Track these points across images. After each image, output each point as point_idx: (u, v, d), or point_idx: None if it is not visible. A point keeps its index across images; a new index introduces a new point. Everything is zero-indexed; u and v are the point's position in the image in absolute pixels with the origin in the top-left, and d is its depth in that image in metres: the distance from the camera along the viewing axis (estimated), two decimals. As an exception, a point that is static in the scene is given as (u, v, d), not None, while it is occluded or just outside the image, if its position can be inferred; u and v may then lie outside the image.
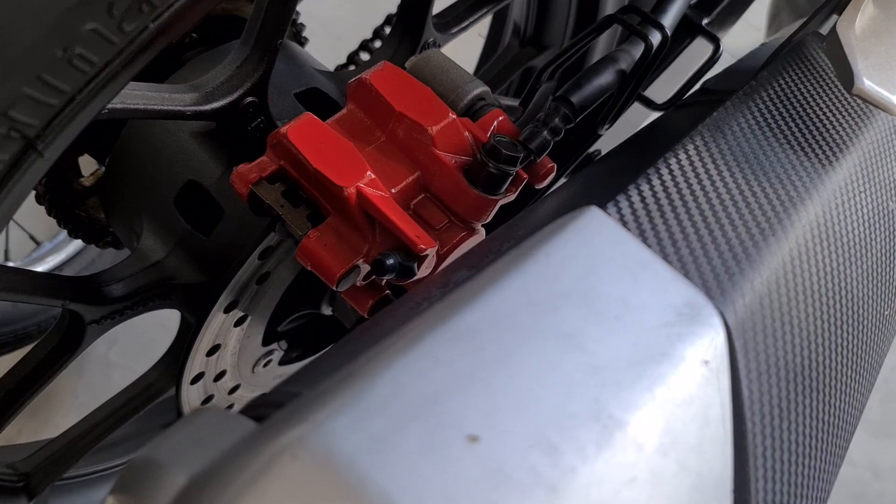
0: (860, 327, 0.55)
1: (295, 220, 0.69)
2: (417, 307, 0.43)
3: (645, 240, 0.44)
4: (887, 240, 0.59)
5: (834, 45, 0.57)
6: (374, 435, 0.33)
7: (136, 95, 0.65)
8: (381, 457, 0.33)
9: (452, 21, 0.94)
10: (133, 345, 1.57)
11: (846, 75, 0.56)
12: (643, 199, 0.47)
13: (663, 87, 0.99)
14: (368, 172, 0.67)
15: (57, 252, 1.38)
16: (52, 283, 0.74)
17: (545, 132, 0.73)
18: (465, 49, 1.42)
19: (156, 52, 0.52)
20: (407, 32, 0.89)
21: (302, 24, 1.04)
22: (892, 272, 0.60)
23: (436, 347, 0.36)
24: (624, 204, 0.46)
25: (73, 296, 0.75)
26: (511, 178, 0.71)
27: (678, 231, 0.46)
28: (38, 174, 0.49)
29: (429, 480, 0.33)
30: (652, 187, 0.48)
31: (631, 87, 0.79)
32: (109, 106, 0.61)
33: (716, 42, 0.91)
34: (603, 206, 0.45)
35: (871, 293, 0.57)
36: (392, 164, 0.72)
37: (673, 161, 0.50)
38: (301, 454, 0.33)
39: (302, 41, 1.05)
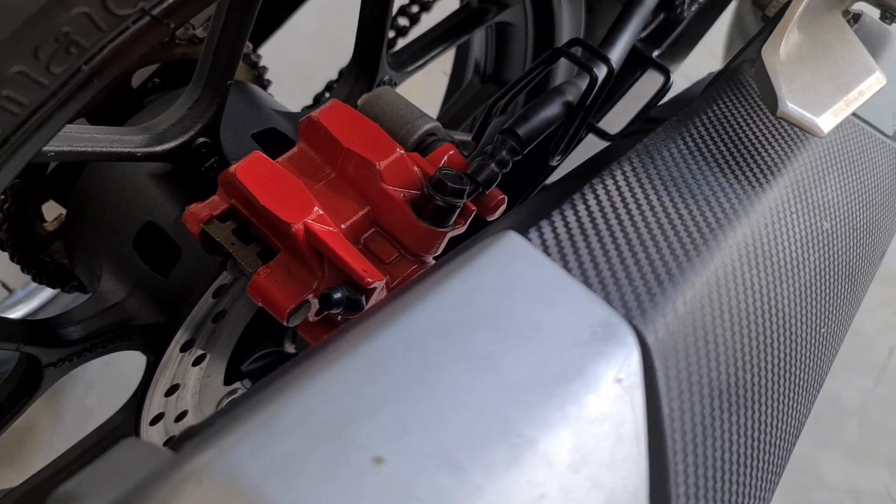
0: (793, 345, 0.55)
1: (245, 258, 0.70)
2: (344, 335, 0.43)
3: (566, 264, 0.45)
4: (822, 259, 0.60)
5: (759, 70, 0.59)
6: (279, 460, 0.34)
7: (84, 138, 0.66)
8: (285, 481, 0.33)
9: (408, 59, 0.96)
10: (110, 390, 1.56)
11: (770, 99, 0.57)
12: (566, 225, 0.48)
13: (620, 119, 1.01)
14: (316, 208, 0.68)
15: (29, 299, 1.38)
16: (5, 327, 0.75)
17: (492, 164, 0.74)
18: (434, 87, 1.44)
19: (93, 93, 0.53)
20: (362, 71, 0.91)
21: (264, 67, 1.06)
22: (827, 290, 0.61)
23: (345, 373, 0.37)
24: (546, 229, 0.47)
25: (29, 339, 0.75)
26: (459, 210, 0.72)
27: (600, 255, 0.46)
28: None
29: (332, 503, 0.33)
30: (576, 213, 0.49)
31: (580, 118, 0.81)
32: (56, 149, 0.63)
33: (666, 73, 0.93)
34: (525, 231, 0.46)
35: (805, 311, 0.57)
36: (341, 200, 0.73)
37: (599, 187, 0.51)
38: (206, 480, 0.33)
39: (264, 84, 1.07)
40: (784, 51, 0.59)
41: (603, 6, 1.01)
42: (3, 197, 0.87)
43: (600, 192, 0.51)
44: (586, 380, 0.39)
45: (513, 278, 0.42)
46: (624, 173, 0.53)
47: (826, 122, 0.57)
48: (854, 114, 0.77)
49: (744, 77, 0.68)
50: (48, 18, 0.44)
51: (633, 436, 0.40)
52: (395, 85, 0.95)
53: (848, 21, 0.73)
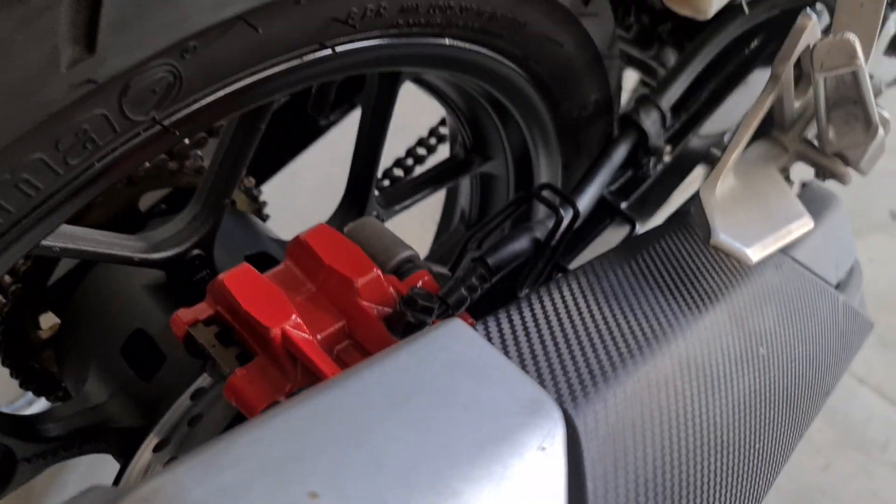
0: (725, 453, 0.59)
1: (224, 359, 0.74)
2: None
3: (505, 351, 0.50)
4: (757, 380, 0.64)
5: (697, 206, 0.66)
6: (223, 487, 0.37)
7: (88, 238, 0.72)
8: (225, 505, 0.37)
9: (396, 199, 1.04)
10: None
11: (705, 230, 0.64)
12: (510, 321, 0.53)
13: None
14: (294, 316, 0.73)
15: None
16: (-16, 416, 0.78)
17: (462, 289, 0.80)
18: (425, 234, 1.53)
19: (101, 190, 0.60)
20: (352, 206, 0.99)
21: (264, 202, 1.15)
22: (764, 410, 0.64)
23: (292, 420, 0.41)
24: (491, 323, 0.52)
25: (6, 430, 0.78)
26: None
27: (539, 347, 0.51)
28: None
29: (266, 527, 0.36)
30: (521, 313, 0.54)
31: (546, 254, 0.88)
32: (62, 245, 0.69)
33: (631, 223, 1.00)
34: (473, 325, 0.51)
35: (739, 424, 0.61)
36: (320, 313, 0.78)
37: (545, 295, 0.57)
38: (154, 500, 0.37)
39: (263, 217, 1.15)
40: (720, 191, 0.67)
41: (578, 163, 1.10)
42: (2, 301, 0.92)
43: (545, 299, 0.57)
44: (511, 445, 0.43)
45: (453, 356, 0.47)
46: (569, 286, 0.59)
47: (755, 252, 0.63)
48: (800, 262, 0.84)
49: (689, 218, 0.75)
50: (71, 115, 0.51)
51: (553, 501, 0.43)
52: (383, 221, 1.03)
53: (786, 178, 0.81)
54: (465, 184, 1.23)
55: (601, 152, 1.00)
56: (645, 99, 1.01)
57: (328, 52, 0.65)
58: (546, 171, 1.10)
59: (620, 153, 0.99)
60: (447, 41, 0.76)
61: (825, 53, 0.62)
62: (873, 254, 1.86)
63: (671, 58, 1.22)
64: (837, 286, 0.87)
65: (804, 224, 0.69)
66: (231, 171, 0.79)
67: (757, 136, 0.79)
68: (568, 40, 0.87)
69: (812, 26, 0.65)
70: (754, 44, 1.17)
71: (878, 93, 1.27)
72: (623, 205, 1.04)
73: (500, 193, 1.18)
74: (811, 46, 0.64)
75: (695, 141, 1.20)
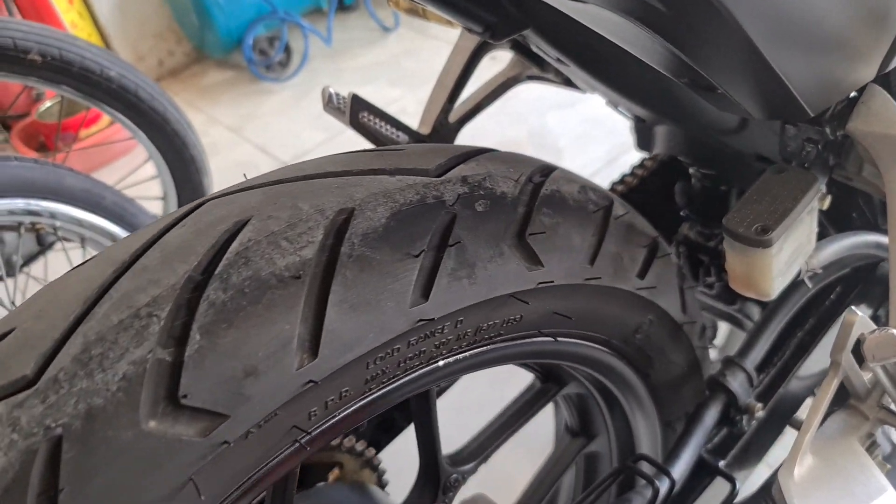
0: None
1: None
2: None
3: None
4: None
5: (777, 491, 0.71)
6: None
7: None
8: None
9: (468, 456, 1.07)
10: None
11: (787, 514, 0.68)
12: None
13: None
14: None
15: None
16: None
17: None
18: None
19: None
20: (428, 478, 1.03)
21: (383, 469, 1.24)
22: None
23: None
24: None
25: None
26: None
27: None
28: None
29: None
30: None
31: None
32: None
33: (732, 482, 1.04)
34: None
35: None
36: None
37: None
38: None
39: (383, 483, 1.24)
40: (798, 472, 0.72)
41: (677, 420, 1.16)
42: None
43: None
44: None
45: None
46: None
47: (838, 536, 0.67)
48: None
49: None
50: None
51: None
52: (464, 481, 1.05)
53: (873, 444, 0.85)
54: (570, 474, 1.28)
55: (692, 415, 1.05)
56: (730, 361, 1.08)
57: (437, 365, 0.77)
58: (645, 433, 1.15)
59: (711, 415, 1.04)
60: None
61: (874, 347, 0.69)
62: None
63: (755, 310, 1.29)
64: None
65: (888, 499, 0.72)
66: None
67: (837, 404, 0.84)
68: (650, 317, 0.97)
69: (860, 321, 0.72)
70: (835, 294, 1.24)
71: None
72: (721, 463, 1.08)
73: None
74: (862, 337, 0.71)
75: (794, 383, 1.24)
